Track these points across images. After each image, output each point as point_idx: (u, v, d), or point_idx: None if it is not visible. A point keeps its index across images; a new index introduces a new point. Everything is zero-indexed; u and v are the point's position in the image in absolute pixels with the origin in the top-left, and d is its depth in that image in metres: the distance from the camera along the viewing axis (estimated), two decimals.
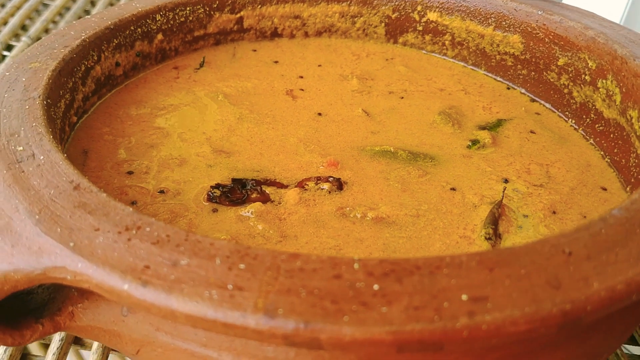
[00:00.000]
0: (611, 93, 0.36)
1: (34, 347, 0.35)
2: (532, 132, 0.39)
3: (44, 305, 0.24)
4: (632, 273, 0.19)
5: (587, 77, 0.38)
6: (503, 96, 0.43)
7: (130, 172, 0.33)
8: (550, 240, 0.21)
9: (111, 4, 0.71)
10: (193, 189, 0.32)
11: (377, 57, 0.47)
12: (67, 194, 0.23)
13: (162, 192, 0.32)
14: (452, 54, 0.46)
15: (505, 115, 0.41)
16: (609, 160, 0.37)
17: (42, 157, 0.25)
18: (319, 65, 0.45)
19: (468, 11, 0.44)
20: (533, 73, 0.42)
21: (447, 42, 0.46)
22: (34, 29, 0.60)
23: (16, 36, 0.59)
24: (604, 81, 0.37)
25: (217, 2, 0.43)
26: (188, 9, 0.42)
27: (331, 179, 0.33)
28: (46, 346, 0.30)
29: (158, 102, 0.39)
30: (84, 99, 0.35)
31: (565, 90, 0.40)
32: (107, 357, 0.30)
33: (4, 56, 0.55)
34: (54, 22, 0.64)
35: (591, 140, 0.39)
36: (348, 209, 0.32)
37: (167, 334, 0.22)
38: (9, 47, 0.57)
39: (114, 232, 0.21)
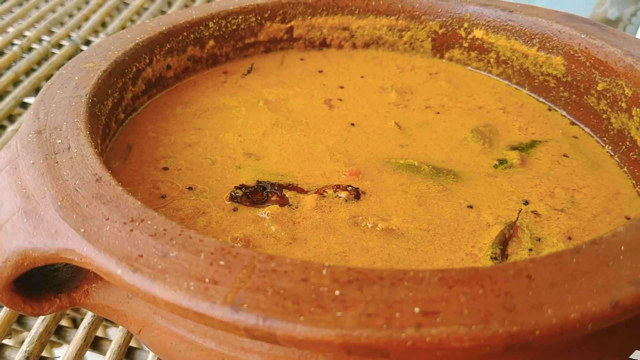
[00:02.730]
0: None
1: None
2: (565, 155, 0.39)
3: (66, 282, 0.27)
4: (590, 304, 0.20)
5: (623, 104, 0.37)
6: (543, 117, 0.43)
7: (165, 168, 0.36)
8: (518, 264, 0.21)
9: (186, 5, 0.76)
10: (219, 188, 0.35)
11: (421, 71, 0.47)
12: (89, 185, 0.26)
13: (190, 188, 0.34)
14: (497, 72, 0.46)
15: (541, 137, 0.41)
16: (639, 190, 0.36)
17: (75, 151, 0.28)
18: (362, 77, 0.46)
19: (513, 30, 0.44)
20: (574, 96, 0.42)
21: (492, 60, 0.46)
22: (112, 26, 0.65)
23: (95, 32, 0.64)
24: (638, 109, 0.36)
25: (269, 12, 0.46)
26: (240, 17, 0.45)
27: (350, 188, 0.35)
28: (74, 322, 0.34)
29: (202, 104, 0.42)
30: (133, 98, 0.39)
31: (604, 116, 0.40)
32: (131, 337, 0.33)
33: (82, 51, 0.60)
34: (132, 21, 0.69)
35: (625, 168, 0.38)
36: (361, 218, 0.33)
37: (162, 318, 0.25)
38: (87, 42, 0.62)
39: (120, 223, 0.23)
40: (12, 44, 0.65)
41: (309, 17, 0.47)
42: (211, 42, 0.44)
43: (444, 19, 0.46)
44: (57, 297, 0.27)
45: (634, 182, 0.37)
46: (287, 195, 0.34)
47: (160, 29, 0.40)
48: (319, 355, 0.22)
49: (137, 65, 0.38)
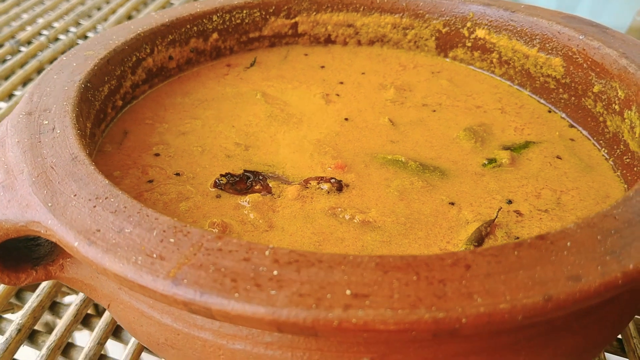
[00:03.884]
0: (634, 125, 0.35)
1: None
2: (558, 157, 0.39)
3: (45, 256, 0.29)
4: (522, 296, 0.20)
5: (616, 107, 0.37)
6: (541, 119, 0.43)
7: (157, 154, 0.37)
8: (458, 254, 0.21)
9: None
10: (206, 175, 0.36)
11: (423, 69, 0.48)
12: (65, 164, 0.27)
13: (177, 174, 0.36)
14: (500, 72, 0.46)
15: (536, 138, 0.40)
16: None
17: (59, 132, 0.29)
18: (363, 73, 0.47)
19: (515, 31, 0.43)
20: (573, 98, 0.41)
21: (494, 60, 0.46)
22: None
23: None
24: (629, 112, 0.35)
25: (273, 7, 0.47)
26: (245, 12, 0.46)
27: (333, 180, 0.35)
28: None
29: (201, 94, 0.43)
30: (133, 86, 0.40)
31: (601, 119, 0.39)
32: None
33: None
34: None
35: (618, 172, 0.37)
36: (340, 209, 0.34)
37: (126, 293, 0.26)
38: None
39: (86, 199, 0.25)
40: (40, 34, 0.67)
41: (314, 13, 0.47)
42: (215, 35, 0.45)
43: (447, 18, 0.46)
44: (34, 269, 0.28)
45: (625, 186, 0.36)
46: (270, 185, 0.35)
47: (162, 21, 0.42)
48: (264, 333, 0.23)
49: (137, 54, 0.40)
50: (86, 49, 0.38)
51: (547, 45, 0.42)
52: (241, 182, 0.35)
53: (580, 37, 0.39)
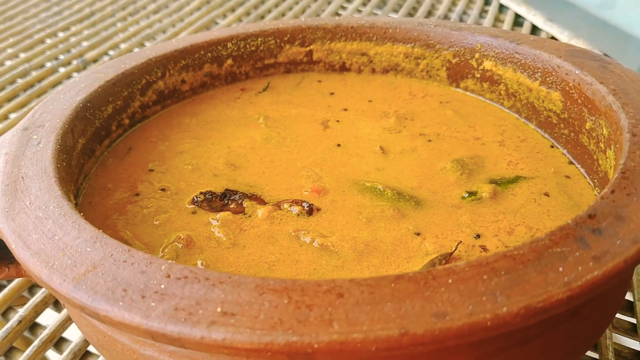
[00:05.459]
0: (611, 165, 0.33)
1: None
2: (546, 194, 0.38)
3: None
4: (378, 327, 0.20)
5: (602, 145, 0.35)
6: (541, 154, 0.41)
7: (151, 170, 0.40)
8: (337, 282, 0.22)
9: (283, 15, 0.81)
10: (190, 192, 0.38)
11: (433, 99, 0.48)
12: (34, 175, 0.30)
13: (163, 189, 0.38)
14: (508, 105, 0.45)
15: (528, 174, 0.40)
16: None
17: (41, 146, 0.33)
18: (370, 101, 0.47)
19: (519, 63, 0.43)
20: (572, 134, 0.40)
21: (502, 92, 0.45)
22: None
23: None
24: (609, 151, 0.34)
25: (288, 36, 0.49)
26: (259, 39, 0.48)
27: (304, 203, 0.37)
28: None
29: (209, 116, 0.45)
30: (143, 106, 0.43)
31: (595, 156, 0.38)
32: None
33: None
34: None
35: None
36: (303, 232, 0.35)
37: None
38: None
39: (37, 208, 0.28)
40: (106, 54, 0.74)
41: (328, 42, 0.49)
42: (229, 61, 0.48)
43: (457, 49, 0.46)
44: (7, 267, 0.31)
45: None
46: (245, 205, 0.37)
47: (177, 47, 0.45)
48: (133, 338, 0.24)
49: (148, 77, 0.43)
50: (99, 71, 0.41)
51: (548, 79, 0.41)
52: (217, 200, 0.37)
53: (577, 72, 0.38)
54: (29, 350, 0.37)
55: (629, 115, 0.32)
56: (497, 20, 0.82)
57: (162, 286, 0.22)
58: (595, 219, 0.25)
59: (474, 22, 0.81)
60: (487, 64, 0.45)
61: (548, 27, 0.77)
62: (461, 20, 0.82)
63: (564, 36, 0.74)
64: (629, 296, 0.41)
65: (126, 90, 0.42)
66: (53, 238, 0.26)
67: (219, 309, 0.21)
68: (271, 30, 0.48)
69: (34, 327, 0.40)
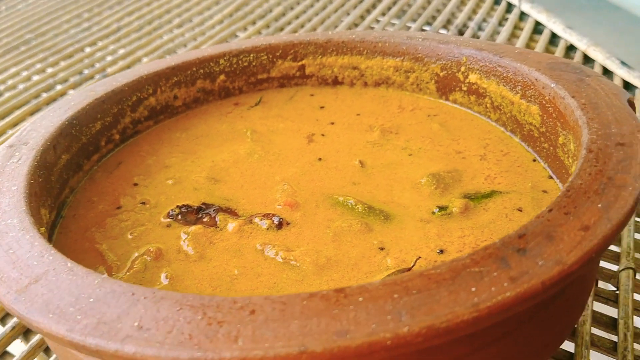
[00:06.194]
0: None
1: None
2: (519, 209, 0.37)
3: None
4: (279, 345, 0.21)
5: (571, 160, 0.35)
6: (522, 168, 0.41)
7: (135, 184, 0.42)
8: (253, 299, 0.23)
9: (335, 26, 0.83)
10: (169, 205, 0.40)
11: (421, 112, 0.48)
12: (5, 191, 0.32)
13: (143, 203, 0.40)
14: (495, 118, 0.45)
15: (505, 188, 0.39)
16: None
17: (20, 162, 0.35)
18: (358, 114, 0.48)
19: (502, 76, 0.42)
20: (551, 148, 0.39)
21: (488, 105, 0.45)
22: None
23: None
24: (572, 168, 0.33)
25: (280, 51, 0.50)
26: (252, 55, 0.49)
27: (275, 218, 0.38)
28: None
29: (199, 131, 0.47)
30: (134, 122, 0.45)
31: (570, 171, 0.37)
32: None
33: None
34: None
35: None
36: (269, 246, 0.36)
37: None
38: None
39: None
40: (128, 68, 0.76)
41: (320, 56, 0.50)
42: (222, 77, 0.49)
43: (444, 62, 0.46)
44: None
45: None
46: (218, 219, 0.38)
47: (168, 64, 0.47)
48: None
49: (139, 94, 0.45)
50: (91, 89, 0.43)
51: (527, 92, 0.40)
52: (192, 214, 0.39)
53: (552, 85, 0.38)
54: None
55: (591, 131, 0.32)
56: (517, 27, 0.81)
57: (91, 300, 0.24)
58: (523, 239, 0.25)
59: (493, 30, 0.80)
60: (472, 77, 0.45)
61: (567, 35, 0.76)
62: (480, 29, 0.81)
63: (582, 44, 0.72)
64: (613, 313, 0.40)
65: (116, 107, 0.44)
66: (8, 252, 0.27)
67: (136, 324, 0.22)
68: (263, 46, 0.49)
69: (27, 332, 0.43)
